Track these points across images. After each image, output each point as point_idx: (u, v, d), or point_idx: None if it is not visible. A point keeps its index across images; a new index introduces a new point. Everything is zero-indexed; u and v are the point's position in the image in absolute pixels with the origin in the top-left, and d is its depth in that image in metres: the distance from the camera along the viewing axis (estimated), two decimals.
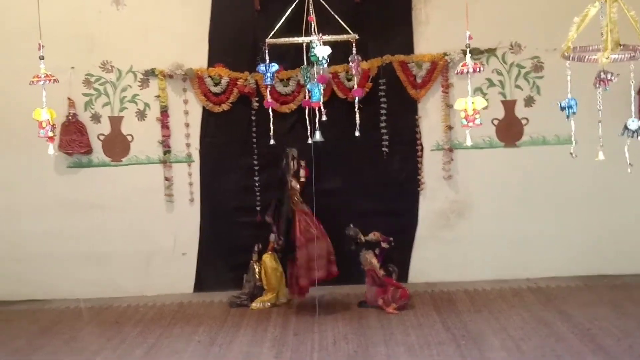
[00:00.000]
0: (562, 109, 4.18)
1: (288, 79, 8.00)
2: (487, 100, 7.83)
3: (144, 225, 8.26)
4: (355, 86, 6.15)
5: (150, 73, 8.07)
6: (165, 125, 8.11)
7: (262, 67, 5.64)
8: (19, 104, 8.00)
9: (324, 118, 5.73)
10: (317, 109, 5.68)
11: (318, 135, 5.97)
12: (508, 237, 8.18)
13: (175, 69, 7.96)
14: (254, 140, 8.04)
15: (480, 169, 8.16)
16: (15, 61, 7.82)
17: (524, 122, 8.05)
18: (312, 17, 5.76)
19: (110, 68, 8.10)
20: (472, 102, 4.60)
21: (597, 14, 3.65)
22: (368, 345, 6.08)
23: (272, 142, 6.12)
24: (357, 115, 5.92)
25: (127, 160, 8.19)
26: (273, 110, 7.85)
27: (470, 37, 4.73)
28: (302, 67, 5.86)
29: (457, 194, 8.22)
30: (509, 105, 8.09)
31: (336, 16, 6.05)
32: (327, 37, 5.56)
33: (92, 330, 6.95)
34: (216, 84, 8.00)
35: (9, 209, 8.25)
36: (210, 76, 7.99)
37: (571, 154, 4.22)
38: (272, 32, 5.90)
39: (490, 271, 8.19)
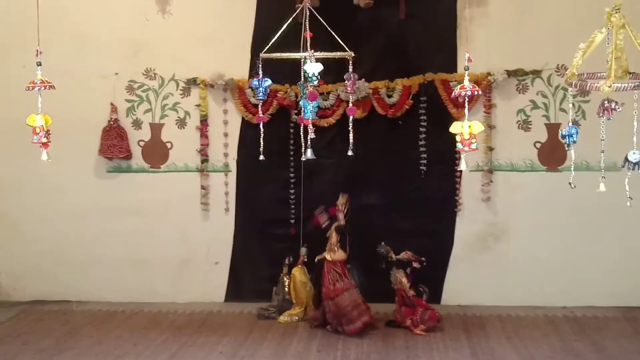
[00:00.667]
0: (563, 137, 4.11)
1: (328, 93, 7.96)
2: (530, 122, 7.83)
3: (179, 232, 8.31)
4: (350, 104, 6.01)
5: (192, 82, 8.13)
6: (204, 134, 8.16)
7: (255, 82, 5.60)
8: (63, 112, 8.15)
9: (311, 135, 5.64)
10: (309, 126, 5.61)
11: (309, 153, 5.87)
12: (546, 263, 7.96)
13: (216, 79, 8.00)
14: (292, 153, 8.01)
15: (520, 192, 7.98)
16: (58, 69, 7.94)
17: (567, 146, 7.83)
18: (309, 34, 5.63)
19: (153, 75, 8.19)
20: (469, 126, 4.49)
21: (604, 40, 3.55)
22: None
23: (261, 157, 6.15)
24: (351, 135, 5.84)
25: (166, 167, 8.26)
26: (312, 124, 7.95)
27: (469, 60, 4.60)
28: (299, 83, 5.77)
29: (495, 217, 8.05)
30: (552, 129, 7.88)
31: (331, 31, 5.91)
32: (319, 54, 5.47)
33: (119, 335, 7.01)
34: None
35: (51, 211, 8.39)
36: (250, 87, 8.00)
37: (570, 184, 4.14)
38: (267, 47, 5.83)
39: (526, 297, 7.98)
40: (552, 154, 7.90)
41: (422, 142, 7.94)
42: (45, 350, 6.48)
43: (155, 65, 8.19)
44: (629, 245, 7.87)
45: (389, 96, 7.88)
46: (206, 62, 8.05)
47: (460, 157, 7.74)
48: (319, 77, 5.28)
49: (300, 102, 5.66)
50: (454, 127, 4.58)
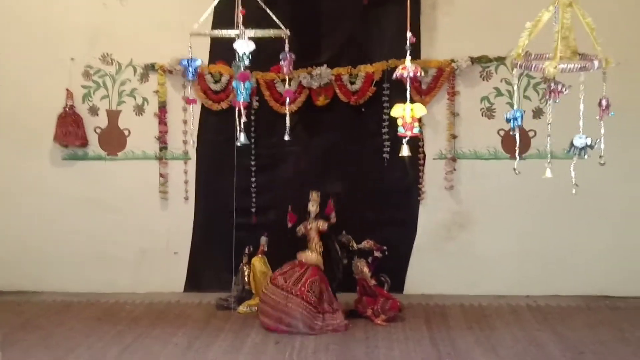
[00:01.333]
0: (508, 120, 3.99)
1: (290, 80, 7.78)
2: (494, 109, 7.74)
3: (137, 221, 8.13)
4: (287, 86, 6.02)
5: (150, 67, 7.93)
6: (162, 121, 7.97)
7: (184, 62, 5.41)
8: (11, 97, 8.04)
9: (243, 119, 5.41)
10: (242, 109, 5.37)
11: (243, 137, 5.57)
12: (510, 251, 7.91)
13: (175, 64, 7.78)
14: (252, 140, 7.85)
15: (484, 180, 7.90)
16: (11, 56, 7.97)
17: (531, 134, 7.75)
18: (242, 11, 5.42)
19: (110, 61, 7.98)
20: (411, 109, 4.32)
21: (551, 19, 3.45)
22: (347, 358, 5.86)
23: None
24: (288, 119, 5.73)
25: (123, 154, 8.06)
26: (273, 111, 7.82)
27: (412, 39, 4.46)
28: (232, 62, 5.38)
29: (459, 205, 7.96)
30: None
31: (266, 9, 5.66)
32: (251, 32, 5.26)
33: (72, 326, 6.81)
34: (216, 82, 7.83)
35: (5, 200, 8.18)
36: (210, 73, 7.83)
37: (514, 169, 4.05)
38: (199, 22, 5.58)
39: (490, 286, 7.91)
40: (516, 142, 7.79)
41: (385, 130, 7.80)
42: None
43: (113, 50, 7.97)
44: (594, 234, 7.83)
45: (352, 83, 7.74)
46: (165, 47, 7.80)
47: (424, 142, 7.81)
48: (249, 56, 5.08)
49: (233, 84, 5.44)
50: (395, 111, 4.42)
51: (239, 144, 5.64)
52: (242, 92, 5.20)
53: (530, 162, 7.69)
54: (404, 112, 4.34)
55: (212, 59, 7.86)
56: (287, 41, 5.51)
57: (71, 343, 6.25)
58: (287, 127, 5.70)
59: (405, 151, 4.45)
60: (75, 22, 7.91)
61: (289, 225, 7.26)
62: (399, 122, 4.37)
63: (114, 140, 8.04)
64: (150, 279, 8.16)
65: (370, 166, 7.94)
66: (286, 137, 5.72)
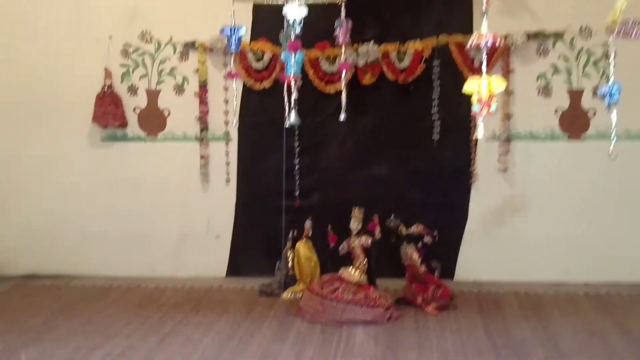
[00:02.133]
0: (602, 96, 3.53)
1: (334, 57, 7.46)
2: (550, 87, 7.33)
3: (177, 204, 7.91)
4: (342, 58, 5.51)
5: (191, 45, 7.67)
6: (203, 101, 7.70)
7: (226, 30, 5.06)
8: (50, 77, 7.83)
9: (294, 95, 5.00)
10: (293, 85, 4.95)
11: (293, 117, 5.10)
12: (567, 237, 7.50)
13: (216, 42, 7.51)
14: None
15: (540, 162, 7.50)
16: (49, 36, 7.77)
17: (590, 113, 7.34)
18: None
19: (149, 39, 7.72)
20: (488, 83, 3.78)
21: None
22: (398, 349, 5.52)
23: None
24: (344, 96, 5.36)
25: (163, 135, 7.82)
26: (317, 91, 7.51)
27: (487, 2, 3.94)
28: (281, 32, 4.99)
29: (512, 189, 7.57)
30: (575, 95, 7.38)
31: None
32: None
33: (112, 312, 6.60)
34: (258, 60, 7.54)
35: (44, 183, 8.02)
36: (252, 51, 7.54)
37: (609, 154, 3.61)
38: None
39: (545, 273, 7.53)
40: (574, 121, 7.40)
41: (435, 110, 7.45)
42: (33, 329, 6.08)
43: (152, 27, 7.71)
44: None
45: (400, 60, 7.39)
46: (205, 25, 7.50)
47: (475, 122, 7.41)
48: (301, 23, 4.70)
49: (282, 56, 5.00)
50: (469, 85, 3.86)
51: (288, 124, 5.23)
52: (292, 64, 4.81)
53: (590, 142, 7.39)
54: (480, 87, 3.77)
55: (254, 35, 7.55)
56: (343, 6, 5.14)
57: (110, 330, 6.04)
58: (344, 105, 5.36)
59: (480, 132, 3.93)
60: None
61: (331, 245, 6.92)
62: (474, 98, 3.85)
63: (153, 120, 7.80)
64: (190, 264, 7.95)
65: (419, 147, 7.59)
66: (342, 117, 5.38)
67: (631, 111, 7.07)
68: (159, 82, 7.77)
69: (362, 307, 6.30)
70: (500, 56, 7.36)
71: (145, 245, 7.96)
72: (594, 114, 7.32)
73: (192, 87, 7.73)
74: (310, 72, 7.51)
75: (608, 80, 6.92)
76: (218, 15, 7.45)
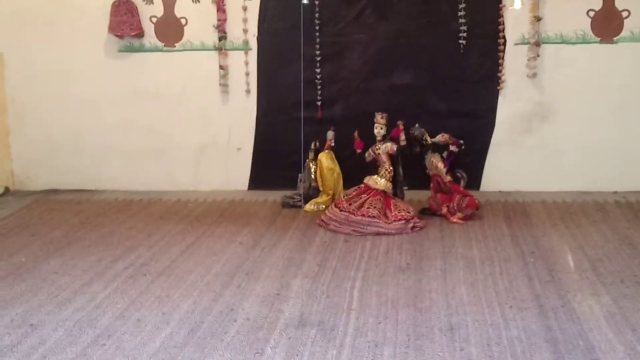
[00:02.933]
0: None
1: None
2: None
3: (198, 116, 7.78)
4: None
5: None
6: (221, 9, 7.44)
7: None
8: None
9: None
10: None
11: None
12: (596, 145, 7.30)
13: None
14: (317, 28, 7.30)
15: (571, 67, 7.21)
16: None
17: (624, 14, 7.00)
18: None
19: None
20: None
21: None
22: (423, 258, 5.42)
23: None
24: None
25: (181, 45, 7.61)
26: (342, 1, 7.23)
27: None
28: None
29: (541, 95, 7.31)
30: None
31: None
32: None
33: (133, 225, 6.56)
34: None
35: (62, 96, 7.90)
36: None
37: None
38: None
39: (574, 182, 7.37)
40: (607, 23, 7.07)
41: (462, 13, 7.15)
42: (54, 242, 6.06)
43: None
44: None
45: None
46: None
47: (504, 29, 7.13)
48: None
49: None
50: None
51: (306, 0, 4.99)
52: None
53: (623, 45, 7.09)
54: None
55: None
56: None
57: (132, 242, 6.00)
58: None
59: (518, 3, 3.68)
60: None
61: (357, 151, 6.75)
62: None
63: (170, 30, 7.59)
64: (212, 177, 7.88)
65: (444, 53, 7.32)
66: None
67: None
68: None
69: (386, 222, 6.19)
70: None
71: (165, 157, 7.88)
72: (629, 14, 6.98)
73: None
74: None
75: None
76: None
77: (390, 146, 6.51)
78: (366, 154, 6.66)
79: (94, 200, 7.59)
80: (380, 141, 6.57)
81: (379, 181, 6.48)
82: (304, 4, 5.17)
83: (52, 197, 7.72)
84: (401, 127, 6.56)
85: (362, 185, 6.54)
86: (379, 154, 6.56)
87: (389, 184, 6.48)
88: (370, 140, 6.63)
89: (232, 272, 5.16)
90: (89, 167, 7.99)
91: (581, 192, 7.22)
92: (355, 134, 6.78)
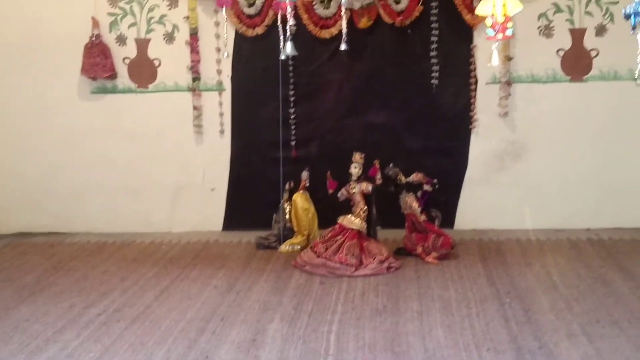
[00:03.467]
0: (627, 17, 3.32)
1: (329, 1, 7.20)
2: (552, 27, 7.10)
3: (171, 156, 7.73)
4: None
5: None
6: (194, 50, 7.45)
7: None
8: (41, 28, 7.56)
9: (290, 23, 4.81)
10: (288, 13, 4.78)
11: (289, 48, 4.91)
12: (568, 182, 7.37)
13: None
14: (290, 68, 7.33)
15: (542, 105, 7.30)
16: None
17: (593, 53, 7.12)
18: None
19: None
20: (503, 5, 3.56)
21: None
22: (399, 299, 5.41)
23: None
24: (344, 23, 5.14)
25: (154, 87, 7.59)
26: (312, 36, 7.27)
27: None
28: None
29: (513, 133, 7.38)
30: (577, 35, 7.14)
31: None
32: None
33: (107, 269, 6.47)
34: (250, 5, 7.27)
35: (35, 136, 7.82)
36: None
37: (635, 79, 3.40)
38: None
39: (547, 219, 7.40)
40: (577, 62, 7.19)
41: (434, 53, 7.23)
42: (26, 287, 5.95)
43: None
44: None
45: (397, 2, 7.13)
46: None
47: (475, 69, 7.21)
48: None
49: None
50: (482, 7, 3.66)
51: (283, 56, 5.06)
52: None
53: (592, 84, 7.20)
54: (494, 10, 3.55)
55: None
56: None
57: (106, 287, 5.92)
58: (344, 34, 5.12)
59: (495, 59, 3.73)
60: None
61: (330, 191, 6.71)
62: (488, 22, 3.63)
63: (144, 71, 7.57)
64: (186, 217, 7.82)
65: (417, 92, 7.38)
66: (343, 46, 5.13)
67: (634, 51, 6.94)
68: (148, 31, 7.51)
69: (362, 268, 6.19)
70: None
71: (139, 198, 7.82)
72: (597, 54, 7.11)
73: (183, 35, 7.47)
74: (305, 17, 7.26)
75: (611, 19, 6.78)
76: None
77: (365, 186, 6.50)
78: (339, 194, 6.65)
79: (66, 243, 7.49)
80: (355, 180, 6.57)
81: (354, 221, 6.46)
82: (285, 57, 5.18)
83: (24, 241, 7.61)
84: (377, 166, 6.58)
85: (337, 226, 6.53)
86: (353, 193, 6.55)
87: (364, 224, 6.47)
88: (344, 179, 6.63)
89: (207, 317, 5.11)
90: (61, 209, 7.89)
91: (554, 230, 7.26)
92: (328, 173, 6.78)
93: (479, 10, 3.65)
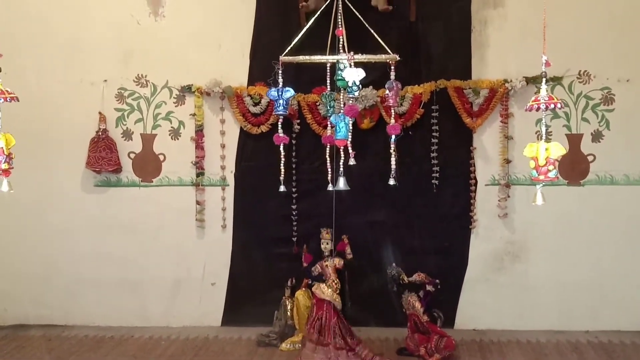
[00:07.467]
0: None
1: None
2: (550, 132, 7.24)
3: (173, 250, 7.75)
4: (392, 121, 5.23)
5: (187, 89, 7.55)
6: (199, 146, 7.58)
7: (273, 92, 4.95)
8: (44, 121, 7.68)
9: (351, 162, 4.98)
10: (342, 148, 4.94)
11: (342, 183, 5.08)
12: (567, 283, 7.43)
13: (213, 86, 7.44)
14: (294, 166, 7.45)
15: (540, 208, 7.29)
16: (43, 79, 7.63)
17: (590, 158, 7.30)
18: (342, 31, 4.96)
19: (145, 82, 7.61)
20: (546, 149, 3.65)
21: None
22: None
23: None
24: (393, 159, 5.27)
25: (158, 181, 7.68)
26: (315, 135, 7.42)
27: (547, 64, 3.85)
28: (323, 93, 4.99)
29: (512, 234, 7.49)
30: (574, 140, 7.33)
31: (372, 30, 5.27)
32: (360, 57, 4.78)
33: None
34: (256, 104, 7.45)
35: (35, 228, 7.83)
36: (250, 95, 7.45)
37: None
38: (289, 48, 5.16)
39: (547, 321, 7.44)
40: (574, 167, 7.35)
41: (434, 155, 7.38)
42: None
43: (147, 71, 7.62)
44: None
45: (399, 105, 7.31)
46: (202, 68, 7.49)
47: (475, 170, 7.36)
48: (360, 85, 4.62)
49: (331, 119, 4.95)
50: (528, 150, 3.79)
51: (332, 188, 5.31)
52: (341, 127, 4.75)
53: (589, 188, 7.34)
54: (538, 153, 3.68)
55: (251, 80, 7.49)
56: (393, 67, 5.01)
57: None
58: (393, 170, 5.37)
59: (539, 199, 3.83)
60: (108, 41, 7.58)
61: (304, 264, 6.86)
62: (531, 164, 3.76)
63: (148, 165, 7.67)
64: (186, 311, 7.77)
65: (418, 193, 7.49)
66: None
67: (630, 157, 7.16)
68: (154, 127, 7.65)
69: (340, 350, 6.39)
70: (499, 101, 7.31)
71: (138, 292, 7.78)
72: (594, 159, 7.28)
73: (189, 131, 7.61)
74: (309, 117, 7.43)
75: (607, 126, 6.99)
76: (214, 58, 7.58)
77: (338, 261, 6.71)
78: (313, 268, 6.79)
79: (64, 336, 7.40)
80: (327, 256, 6.73)
81: (326, 291, 6.57)
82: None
83: (21, 333, 7.51)
84: (346, 241, 6.73)
85: (314, 300, 6.63)
86: (326, 267, 6.68)
87: (336, 296, 6.56)
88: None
89: None
90: (59, 301, 7.82)
91: (554, 332, 7.28)
92: (304, 247, 6.88)
93: (526, 152, 3.80)
